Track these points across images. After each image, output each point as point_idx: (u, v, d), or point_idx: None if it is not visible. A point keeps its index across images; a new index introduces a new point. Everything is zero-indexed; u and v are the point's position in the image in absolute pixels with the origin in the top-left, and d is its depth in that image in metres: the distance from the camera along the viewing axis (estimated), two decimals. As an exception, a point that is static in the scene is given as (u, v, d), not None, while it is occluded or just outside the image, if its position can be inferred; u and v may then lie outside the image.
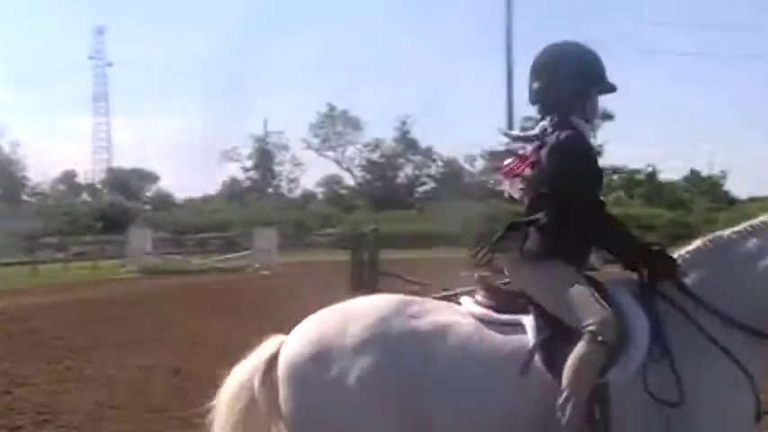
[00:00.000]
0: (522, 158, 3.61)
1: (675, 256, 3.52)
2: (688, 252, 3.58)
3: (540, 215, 3.51)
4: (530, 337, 3.36)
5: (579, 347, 3.19)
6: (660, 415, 3.17)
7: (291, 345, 3.44)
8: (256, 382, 3.46)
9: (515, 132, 3.74)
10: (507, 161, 3.67)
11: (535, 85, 3.69)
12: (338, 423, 3.28)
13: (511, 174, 3.64)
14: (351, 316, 3.43)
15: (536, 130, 3.64)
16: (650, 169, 66.25)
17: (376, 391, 3.26)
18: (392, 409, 3.24)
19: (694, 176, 66.79)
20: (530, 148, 3.62)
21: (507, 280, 3.62)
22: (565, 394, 3.15)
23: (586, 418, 3.15)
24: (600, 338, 3.19)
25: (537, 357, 3.29)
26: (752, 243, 3.49)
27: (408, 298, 3.56)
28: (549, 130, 3.58)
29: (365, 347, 3.32)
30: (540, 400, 3.23)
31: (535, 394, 3.26)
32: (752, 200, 65.33)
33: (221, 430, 3.51)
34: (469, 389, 3.29)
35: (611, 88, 3.68)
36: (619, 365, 3.24)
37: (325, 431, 3.31)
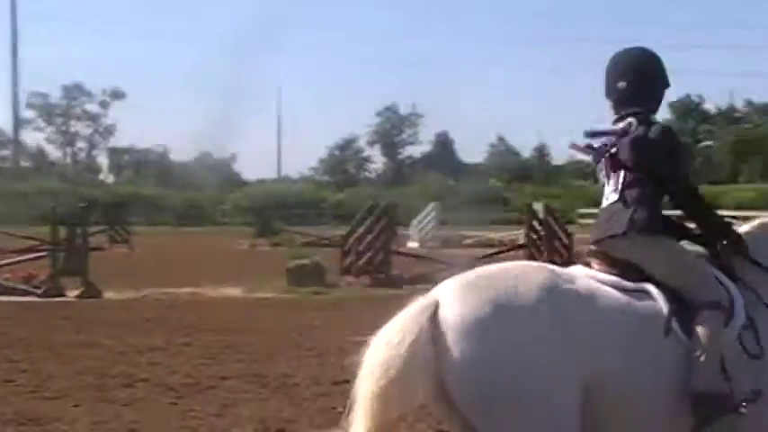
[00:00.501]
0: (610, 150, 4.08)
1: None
2: (747, 233, 4.16)
3: (642, 195, 3.98)
4: (661, 304, 3.79)
5: (710, 318, 3.76)
6: (749, 367, 3.79)
7: (463, 305, 3.59)
8: (424, 339, 3.54)
9: (600, 128, 4.16)
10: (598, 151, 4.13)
11: (620, 84, 4.12)
12: (520, 373, 3.48)
13: (607, 161, 4.10)
14: (516, 279, 3.66)
15: (621, 126, 4.07)
16: (161, 150, 66.95)
17: (553, 347, 3.53)
18: (567, 364, 3.52)
19: (205, 158, 68.83)
20: (613, 140, 4.09)
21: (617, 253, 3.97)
22: (705, 356, 3.69)
23: (719, 372, 3.73)
24: (724, 314, 3.81)
25: (674, 321, 3.76)
26: None
27: (550, 265, 3.95)
28: (635, 123, 4.05)
29: (539, 306, 3.57)
30: (680, 357, 3.72)
31: (677, 351, 3.73)
32: (260, 181, 69.19)
33: (376, 389, 3.53)
34: (627, 347, 3.66)
35: (669, 85, 4.22)
36: (728, 330, 3.82)
37: (507, 379, 3.47)
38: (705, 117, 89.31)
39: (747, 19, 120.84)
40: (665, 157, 4.00)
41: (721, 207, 53.67)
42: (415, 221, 34.47)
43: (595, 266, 3.99)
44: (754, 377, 3.77)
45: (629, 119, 4.06)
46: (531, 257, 21.06)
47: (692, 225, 4.16)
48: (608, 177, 4.10)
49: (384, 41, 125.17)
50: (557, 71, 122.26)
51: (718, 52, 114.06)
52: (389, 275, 19.15)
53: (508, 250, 22.69)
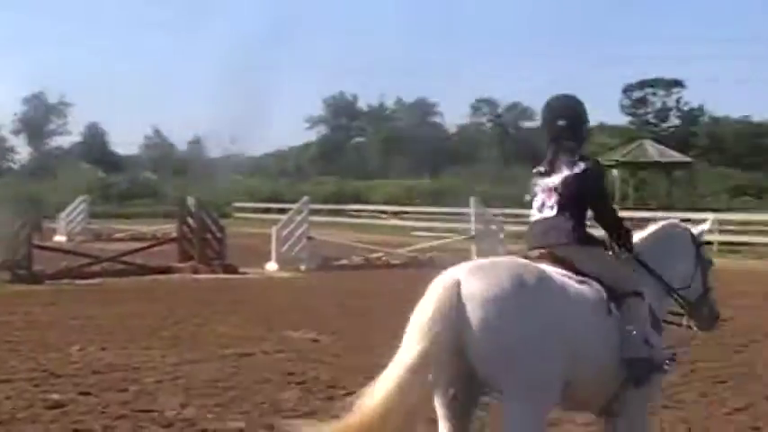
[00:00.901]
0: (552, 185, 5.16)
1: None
2: (640, 239, 5.47)
3: (578, 214, 5.13)
4: (603, 292, 4.83)
5: (637, 302, 4.93)
6: (658, 336, 5.10)
7: (480, 282, 4.46)
8: (453, 313, 4.40)
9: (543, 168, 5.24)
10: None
11: (560, 123, 5.22)
12: (524, 335, 4.38)
13: (549, 191, 5.16)
14: (514, 267, 4.61)
15: (565, 160, 5.16)
16: None
17: (546, 320, 4.46)
18: (555, 334, 4.46)
19: None
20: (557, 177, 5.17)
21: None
22: (634, 331, 4.81)
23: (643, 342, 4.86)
24: (646, 299, 5.03)
25: (612, 305, 4.82)
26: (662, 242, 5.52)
27: (525, 260, 4.85)
28: (576, 159, 5.16)
29: (538, 291, 4.51)
30: (617, 332, 4.78)
31: (615, 327, 4.80)
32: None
33: (421, 348, 4.35)
34: (587, 324, 4.67)
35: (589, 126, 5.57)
36: (644, 310, 5.01)
37: (513, 339, 4.36)
38: (358, 114, 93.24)
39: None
40: (599, 187, 5.29)
41: (370, 201, 56.29)
42: (63, 214, 32.70)
43: (546, 264, 4.91)
44: (660, 343, 5.04)
45: (569, 156, 5.18)
46: (183, 251, 20.58)
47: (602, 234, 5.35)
48: (542, 194, 5.16)
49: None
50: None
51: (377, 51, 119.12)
52: (31, 271, 17.83)
53: (160, 244, 22.02)
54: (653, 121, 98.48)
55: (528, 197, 5.29)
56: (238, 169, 78.70)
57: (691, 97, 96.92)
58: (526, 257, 4.98)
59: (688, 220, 6.49)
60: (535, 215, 5.19)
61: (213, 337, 11.33)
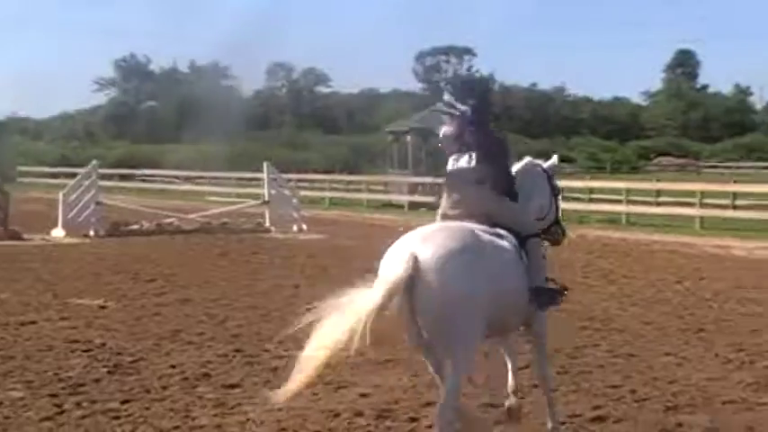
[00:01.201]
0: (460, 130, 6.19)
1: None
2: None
3: (489, 171, 6.04)
4: (515, 241, 5.83)
5: (536, 242, 6.10)
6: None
7: (434, 249, 5.34)
8: (412, 269, 5.27)
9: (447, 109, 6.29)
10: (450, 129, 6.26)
11: (470, 101, 6.23)
12: (459, 293, 5.28)
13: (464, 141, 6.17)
14: (453, 233, 5.54)
15: (463, 110, 6.21)
16: None
17: (478, 277, 5.35)
18: (485, 286, 5.37)
19: None
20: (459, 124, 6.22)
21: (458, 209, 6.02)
22: (536, 266, 5.95)
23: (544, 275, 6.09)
24: (543, 239, 6.36)
25: (523, 252, 5.85)
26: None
27: (466, 223, 5.74)
28: (476, 119, 6.19)
29: (475, 249, 5.46)
30: (526, 268, 5.83)
31: (524, 265, 5.83)
32: None
33: (387, 291, 5.23)
34: (508, 267, 5.67)
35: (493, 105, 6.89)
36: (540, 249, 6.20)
37: (451, 296, 5.28)
38: (149, 77, 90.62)
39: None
40: (504, 150, 6.31)
41: (163, 166, 55.04)
42: None
43: (463, 218, 5.90)
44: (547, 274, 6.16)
45: (466, 107, 6.19)
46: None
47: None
48: (459, 153, 6.10)
49: None
50: None
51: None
52: None
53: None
54: (445, 88, 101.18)
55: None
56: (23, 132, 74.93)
57: (481, 65, 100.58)
58: (446, 215, 6.01)
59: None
60: (451, 166, 6.18)
61: (-7, 305, 10.93)
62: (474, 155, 6.07)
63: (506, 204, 6.04)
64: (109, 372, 7.75)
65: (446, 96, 6.43)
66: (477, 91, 6.57)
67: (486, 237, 5.65)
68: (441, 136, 6.31)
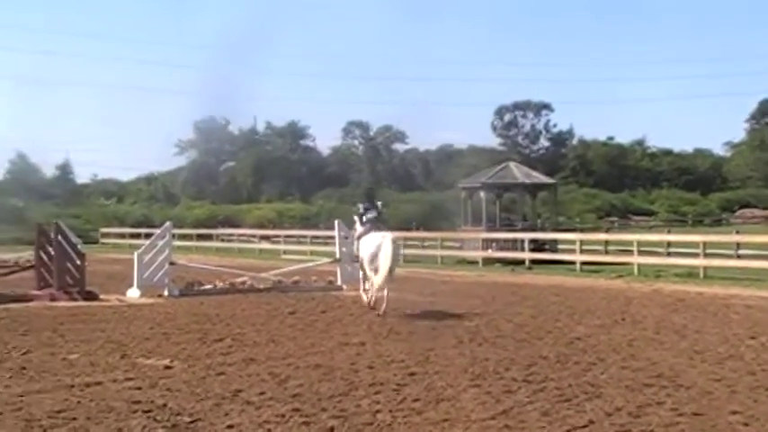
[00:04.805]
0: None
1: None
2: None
3: (382, 227, 18.30)
4: (385, 235, 17.45)
5: (395, 239, 18.18)
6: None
7: (390, 235, 17.34)
8: (392, 242, 17.22)
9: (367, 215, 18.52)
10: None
11: (378, 203, 19.36)
12: (398, 247, 19.14)
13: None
14: (389, 233, 17.52)
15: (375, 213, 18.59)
16: None
17: (371, 247, 17.29)
18: (373, 250, 17.13)
19: None
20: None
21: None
22: (397, 248, 18.57)
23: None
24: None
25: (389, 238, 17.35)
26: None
27: (385, 232, 17.54)
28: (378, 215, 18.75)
29: (395, 237, 18.05)
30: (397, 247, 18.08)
31: (397, 246, 18.04)
32: None
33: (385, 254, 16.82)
34: (376, 245, 17.18)
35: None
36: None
37: (396, 248, 18.29)
38: (229, 138, 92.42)
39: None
40: (384, 223, 18.65)
41: (242, 225, 55.86)
42: None
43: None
44: None
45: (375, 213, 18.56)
46: (42, 279, 20.09)
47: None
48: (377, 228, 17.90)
49: None
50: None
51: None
52: None
53: (17, 271, 21.42)
54: (523, 142, 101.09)
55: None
56: (107, 195, 76.83)
57: (558, 120, 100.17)
58: (380, 230, 17.74)
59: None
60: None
61: (62, 366, 11.11)
62: (380, 225, 17.57)
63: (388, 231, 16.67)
64: (167, 432, 7.78)
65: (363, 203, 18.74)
66: (376, 198, 19.14)
67: (393, 235, 16.39)
68: (365, 220, 18.06)
